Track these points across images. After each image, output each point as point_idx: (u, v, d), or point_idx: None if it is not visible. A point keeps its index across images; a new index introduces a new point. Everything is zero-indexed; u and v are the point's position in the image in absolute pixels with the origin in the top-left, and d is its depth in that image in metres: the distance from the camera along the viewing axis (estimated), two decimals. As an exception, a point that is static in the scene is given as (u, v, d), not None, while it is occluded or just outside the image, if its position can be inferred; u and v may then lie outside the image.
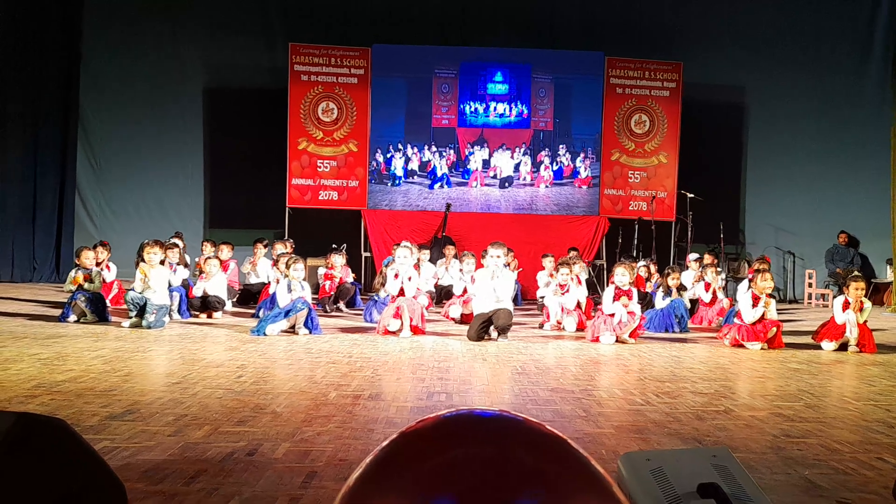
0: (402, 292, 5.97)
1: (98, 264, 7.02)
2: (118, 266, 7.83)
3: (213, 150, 11.52)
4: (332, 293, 7.94)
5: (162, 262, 6.26)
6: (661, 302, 6.97)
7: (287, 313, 5.76)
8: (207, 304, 6.89)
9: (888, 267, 10.54)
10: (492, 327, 5.80)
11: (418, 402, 3.38)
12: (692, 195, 10.07)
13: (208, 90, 11.48)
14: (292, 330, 5.82)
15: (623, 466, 1.61)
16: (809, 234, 11.33)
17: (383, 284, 6.21)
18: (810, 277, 10.85)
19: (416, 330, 5.93)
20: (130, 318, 5.92)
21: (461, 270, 7.66)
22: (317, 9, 11.16)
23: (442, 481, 0.58)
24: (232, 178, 11.29)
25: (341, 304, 8.01)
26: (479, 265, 7.01)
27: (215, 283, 6.95)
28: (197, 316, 6.84)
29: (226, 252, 7.92)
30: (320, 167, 10.74)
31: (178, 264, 7.07)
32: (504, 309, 5.77)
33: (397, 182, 10.90)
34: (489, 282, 5.84)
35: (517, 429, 0.61)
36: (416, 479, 0.59)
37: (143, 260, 6.08)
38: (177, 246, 7.44)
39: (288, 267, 5.93)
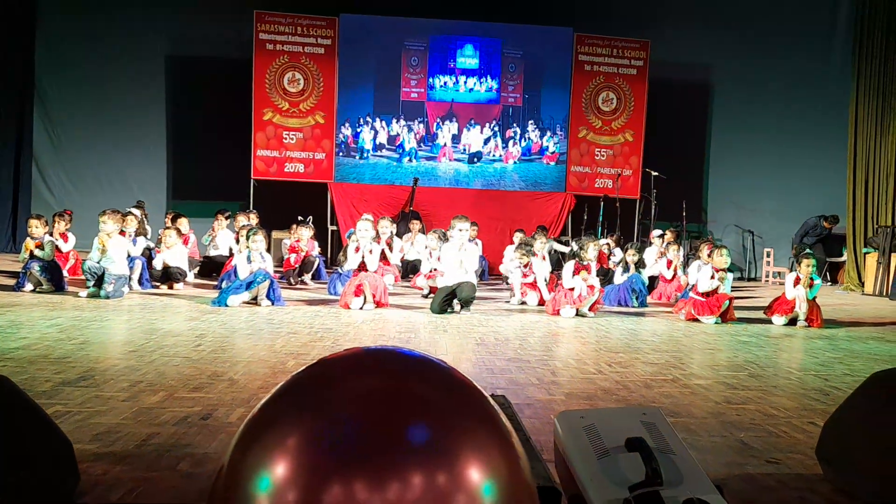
0: (363, 266, 5.98)
1: (57, 234, 6.87)
2: (78, 237, 7.67)
3: (175, 121, 11.27)
4: (297, 266, 7.92)
5: (121, 233, 6.17)
6: (619, 277, 7.12)
7: (249, 285, 5.74)
8: (169, 275, 6.81)
9: (843, 247, 10.88)
10: (455, 300, 5.87)
11: (376, 370, 3.43)
12: (656, 173, 10.23)
13: (172, 58, 11.20)
14: (255, 302, 5.80)
15: (559, 423, 1.69)
16: (770, 213, 11.62)
17: (346, 259, 6.21)
18: (769, 256, 11.15)
19: (379, 304, 5.96)
20: (88, 287, 5.83)
21: (426, 247, 7.68)
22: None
23: (339, 405, 0.62)
24: (196, 149, 11.09)
25: (306, 277, 7.99)
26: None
27: (176, 253, 6.87)
28: (158, 287, 6.76)
29: (184, 225, 7.81)
30: (286, 139, 10.60)
31: (136, 235, 6.94)
32: (468, 282, 5.84)
33: (365, 155, 10.84)
34: (455, 254, 5.90)
35: (422, 365, 0.66)
36: (315, 403, 0.63)
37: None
38: (134, 216, 7.30)
39: (248, 238, 5.89)
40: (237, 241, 7.41)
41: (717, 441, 2.48)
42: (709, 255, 6.54)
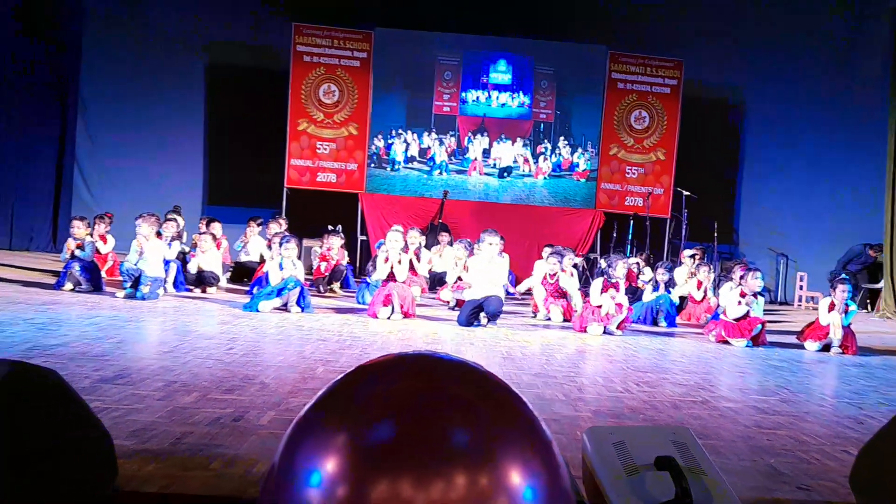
0: (392, 277, 6.03)
1: (97, 235, 7.08)
2: (116, 239, 7.88)
3: (213, 127, 11.54)
4: (327, 274, 8.01)
5: (158, 236, 6.33)
6: (649, 294, 7.05)
7: (280, 291, 5.83)
8: (202, 279, 6.96)
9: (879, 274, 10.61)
10: (482, 313, 5.88)
11: (403, 379, 3.46)
12: (688, 193, 10.13)
13: (211, 66, 11.48)
14: (285, 308, 5.89)
15: (587, 439, 1.69)
16: (804, 236, 11.40)
17: (375, 269, 6.27)
18: (802, 280, 10.94)
19: (406, 315, 6.00)
20: (125, 289, 5.98)
21: (454, 257, 7.72)
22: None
23: (383, 407, 0.65)
24: (232, 155, 11.32)
25: (335, 286, 8.08)
26: (472, 254, 7.09)
27: (210, 258, 7.02)
28: (192, 290, 6.91)
29: (217, 229, 7.97)
30: (319, 149, 10.77)
31: (174, 238, 7.11)
32: (495, 296, 5.85)
33: (396, 167, 10.95)
34: (484, 267, 5.92)
35: (460, 368, 0.69)
36: (360, 405, 0.66)
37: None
38: (175, 221, 7.47)
39: (280, 246, 6.00)
40: (269, 247, 7.54)
41: (746, 465, 2.45)
42: (741, 278, 6.44)
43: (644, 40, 11.05)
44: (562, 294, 6.79)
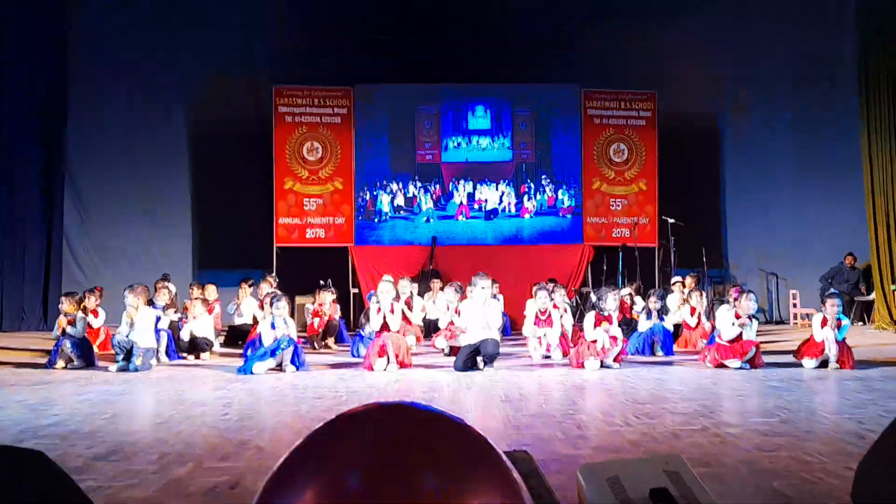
0: (386, 327, 6.02)
1: (87, 310, 7.05)
2: (107, 312, 7.85)
3: (199, 193, 11.64)
4: (321, 330, 7.98)
5: (150, 304, 6.31)
6: (644, 324, 7.06)
7: (273, 351, 5.80)
8: (195, 346, 6.91)
9: (860, 285, 10.68)
10: (479, 357, 5.86)
11: (400, 431, 3.42)
12: (673, 220, 10.25)
13: (194, 134, 11.66)
14: (279, 368, 5.85)
15: (581, 476, 1.69)
16: (792, 254, 11.49)
17: (368, 320, 6.27)
18: (794, 298, 10.98)
19: (402, 364, 5.97)
20: (117, 361, 5.94)
21: (446, 301, 7.73)
22: (299, 50, 11.40)
23: (353, 456, 0.67)
24: (219, 220, 11.38)
25: (329, 341, 8.04)
26: (463, 297, 7.09)
27: (202, 323, 6.99)
28: (185, 357, 6.85)
29: (211, 292, 7.96)
30: (307, 205, 10.88)
31: (167, 307, 7.07)
32: (491, 339, 5.85)
33: (384, 218, 11.04)
34: (479, 310, 5.92)
35: (434, 419, 0.71)
36: (334, 455, 0.68)
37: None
38: (167, 289, 7.43)
39: (272, 305, 6.00)
40: (261, 308, 7.52)
41: (749, 490, 2.43)
42: (735, 300, 6.46)
43: (617, 75, 11.34)
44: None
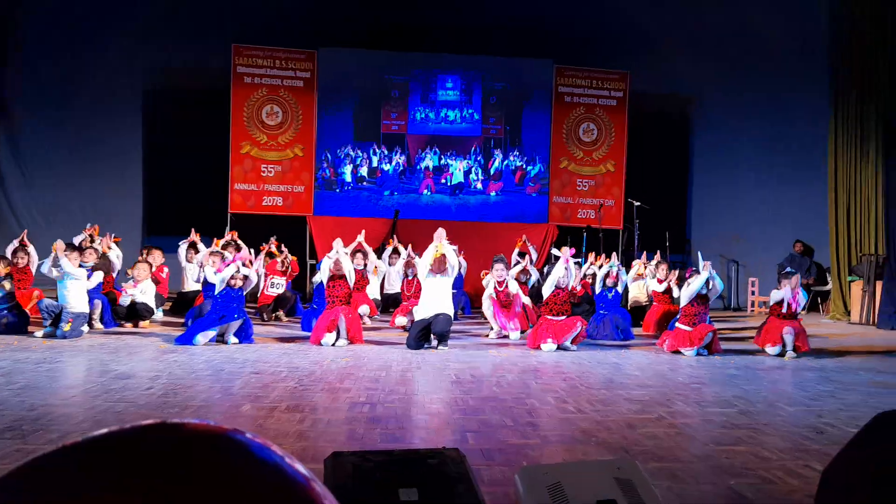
0: (337, 300, 5.73)
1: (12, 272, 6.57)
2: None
3: (151, 154, 11.06)
4: (272, 302, 7.64)
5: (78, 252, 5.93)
6: (599, 279, 6.89)
7: (221, 319, 5.46)
8: (135, 312, 6.51)
9: (828, 275, 10.78)
10: (432, 335, 5.63)
11: (337, 413, 3.17)
12: (638, 203, 10.12)
13: (148, 91, 11.03)
14: (222, 340, 5.52)
15: (519, 481, 1.45)
16: (754, 242, 11.51)
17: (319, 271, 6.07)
18: (753, 285, 11.02)
19: (354, 340, 5.71)
20: (45, 327, 5.53)
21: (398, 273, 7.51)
22: (262, 10, 10.85)
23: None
24: (172, 182, 10.84)
25: (280, 314, 7.71)
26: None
27: (143, 289, 6.59)
28: (122, 325, 6.46)
29: (157, 257, 7.52)
30: (264, 172, 10.42)
31: (94, 268, 6.51)
32: (443, 314, 5.62)
33: (346, 188, 10.67)
34: (431, 282, 5.68)
35: (183, 447, 0.44)
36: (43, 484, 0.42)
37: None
38: (93, 249, 6.78)
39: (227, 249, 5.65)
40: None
41: (706, 489, 2.25)
42: (689, 277, 6.37)
43: (591, 53, 11.09)
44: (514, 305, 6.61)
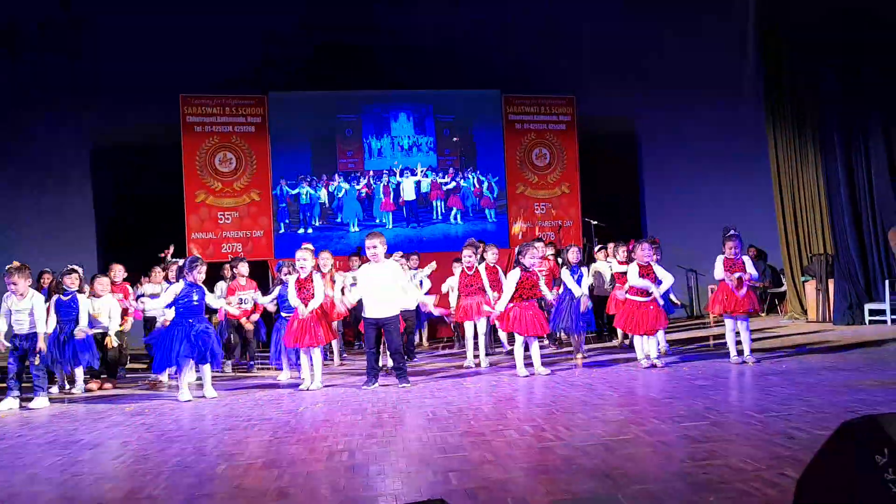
0: (307, 296, 5.66)
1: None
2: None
3: (103, 213, 10.84)
4: (237, 345, 7.46)
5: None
6: (573, 283, 6.85)
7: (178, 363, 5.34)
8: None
9: (782, 277, 11.15)
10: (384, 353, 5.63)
11: (315, 465, 3.12)
12: (595, 222, 10.34)
13: (96, 150, 10.86)
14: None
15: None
16: (708, 251, 11.77)
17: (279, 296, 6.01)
18: (711, 293, 11.27)
19: (321, 342, 5.65)
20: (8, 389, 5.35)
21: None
22: (208, 58, 10.82)
23: None
24: (127, 238, 10.61)
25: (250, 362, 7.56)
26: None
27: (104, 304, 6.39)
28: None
29: (118, 272, 7.23)
30: (221, 219, 10.30)
31: (79, 291, 6.15)
32: (394, 318, 5.53)
33: (310, 223, 10.57)
34: (374, 272, 5.58)
35: None
36: None
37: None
38: (76, 272, 6.20)
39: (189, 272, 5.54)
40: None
41: (686, 508, 2.29)
42: (631, 252, 6.49)
43: (535, 80, 11.38)
44: (481, 290, 6.65)
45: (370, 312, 5.58)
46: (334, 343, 7.29)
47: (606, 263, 8.33)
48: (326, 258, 7.40)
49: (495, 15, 11.45)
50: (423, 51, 11.33)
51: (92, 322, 6.04)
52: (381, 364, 6.05)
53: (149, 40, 10.34)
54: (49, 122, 10.58)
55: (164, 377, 6.30)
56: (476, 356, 6.74)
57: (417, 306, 6.45)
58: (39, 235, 10.48)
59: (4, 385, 5.48)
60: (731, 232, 6.10)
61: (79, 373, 6.13)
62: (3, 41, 10.55)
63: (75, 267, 6.11)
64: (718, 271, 6.02)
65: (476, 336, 6.76)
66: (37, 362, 5.34)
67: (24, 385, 5.57)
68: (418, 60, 11.23)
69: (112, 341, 6.36)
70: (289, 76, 10.93)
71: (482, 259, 6.92)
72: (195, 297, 5.47)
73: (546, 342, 8.04)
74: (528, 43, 11.61)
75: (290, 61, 10.97)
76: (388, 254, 5.97)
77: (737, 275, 5.92)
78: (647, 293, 5.97)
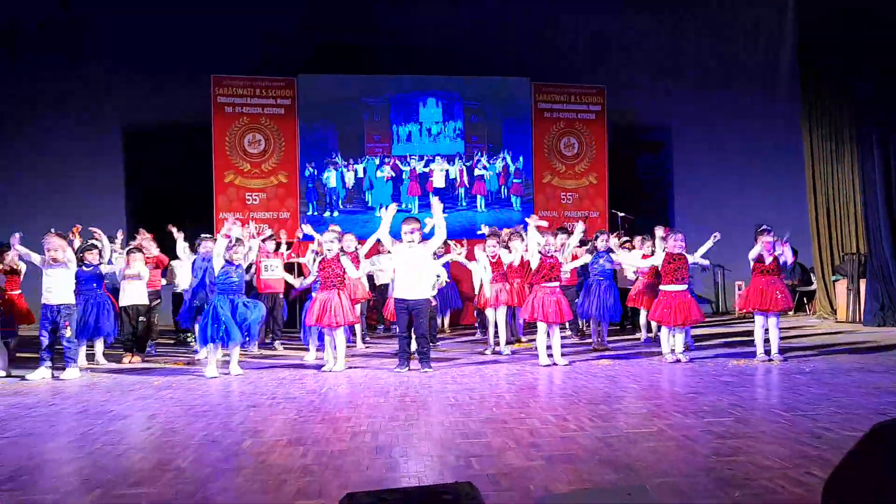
0: (331, 274, 5.72)
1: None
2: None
3: (134, 192, 11.01)
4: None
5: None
6: (590, 260, 7.03)
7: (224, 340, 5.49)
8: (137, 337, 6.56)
9: (812, 276, 10.94)
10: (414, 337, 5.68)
11: (339, 445, 3.16)
12: (623, 214, 10.23)
13: (128, 128, 11.02)
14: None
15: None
16: (738, 247, 11.61)
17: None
18: (739, 289, 11.13)
19: (338, 324, 5.67)
20: (41, 358, 5.50)
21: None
22: (240, 39, 10.88)
23: None
24: (157, 217, 10.76)
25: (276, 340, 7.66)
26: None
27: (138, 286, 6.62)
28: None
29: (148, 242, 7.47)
30: (249, 200, 10.40)
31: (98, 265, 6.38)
32: (424, 301, 5.64)
33: (335, 205, 10.63)
34: (407, 256, 5.68)
35: None
36: None
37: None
38: (95, 247, 6.52)
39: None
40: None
41: (712, 503, 2.28)
42: (663, 238, 6.55)
43: (567, 70, 11.25)
44: (503, 277, 6.77)
45: (401, 293, 5.66)
46: (357, 327, 7.34)
47: (629, 255, 8.23)
48: (350, 240, 7.48)
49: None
50: (451, 36, 11.25)
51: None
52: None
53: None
54: (82, 95, 10.73)
55: (203, 353, 6.39)
56: (496, 343, 6.74)
57: (439, 290, 6.56)
58: (70, 213, 10.68)
59: (38, 355, 5.62)
60: (764, 227, 6.09)
61: (99, 345, 6.28)
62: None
63: (95, 242, 6.27)
64: (754, 252, 6.03)
65: (496, 325, 6.77)
66: (68, 334, 5.47)
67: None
68: (446, 46, 11.15)
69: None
70: (318, 59, 10.92)
71: (506, 247, 6.94)
72: (234, 277, 5.59)
73: (568, 332, 8.00)
74: (558, 31, 11.46)
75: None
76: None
77: (778, 251, 5.92)
78: (683, 280, 5.98)
